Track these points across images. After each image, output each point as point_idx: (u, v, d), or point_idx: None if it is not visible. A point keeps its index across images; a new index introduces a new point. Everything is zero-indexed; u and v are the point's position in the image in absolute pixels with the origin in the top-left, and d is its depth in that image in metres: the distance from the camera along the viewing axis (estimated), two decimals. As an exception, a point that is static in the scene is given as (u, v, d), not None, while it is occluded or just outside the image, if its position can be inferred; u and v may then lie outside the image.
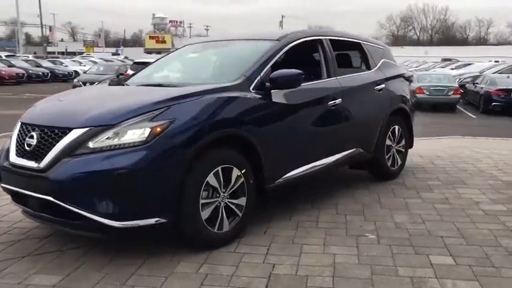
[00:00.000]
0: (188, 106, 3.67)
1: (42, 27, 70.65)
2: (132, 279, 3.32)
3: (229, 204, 3.89)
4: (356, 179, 5.92)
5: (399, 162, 6.03)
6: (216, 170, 3.73)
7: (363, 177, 5.93)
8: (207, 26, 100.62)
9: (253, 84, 4.16)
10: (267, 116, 4.16)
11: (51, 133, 3.57)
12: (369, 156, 5.57)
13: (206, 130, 3.64)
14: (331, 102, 4.80)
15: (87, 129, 3.46)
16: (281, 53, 4.58)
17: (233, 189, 3.89)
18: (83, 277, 3.35)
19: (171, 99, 3.68)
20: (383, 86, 5.64)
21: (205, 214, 3.68)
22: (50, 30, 72.95)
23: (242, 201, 3.98)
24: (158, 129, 3.45)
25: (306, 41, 4.97)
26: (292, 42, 4.75)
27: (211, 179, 3.70)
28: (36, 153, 3.58)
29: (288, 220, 4.48)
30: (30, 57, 43.44)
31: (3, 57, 34.47)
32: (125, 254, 3.71)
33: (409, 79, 6.37)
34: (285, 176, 4.38)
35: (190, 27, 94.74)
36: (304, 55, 5.40)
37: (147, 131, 3.42)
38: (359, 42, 5.72)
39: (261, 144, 4.06)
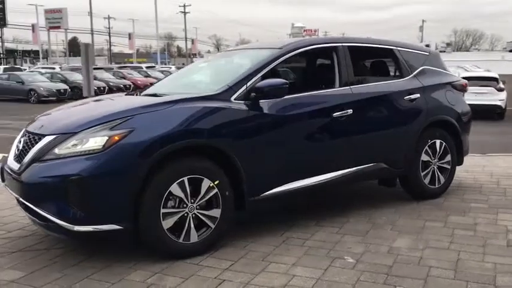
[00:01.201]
0: (151, 116, 3.71)
1: (186, 41, 76.08)
2: (82, 282, 3.43)
3: (200, 215, 3.84)
4: (387, 197, 5.45)
5: (442, 180, 5.42)
6: (181, 180, 3.70)
7: (397, 196, 5.44)
8: (343, 34, 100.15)
9: (236, 94, 4.06)
10: (250, 128, 4.04)
11: (32, 139, 3.84)
12: (396, 172, 5.11)
13: (167, 140, 3.63)
14: (337, 113, 4.49)
15: (54, 136, 3.66)
16: (277, 62, 4.41)
17: (203, 200, 3.84)
18: (42, 276, 3.54)
19: (135, 109, 3.75)
20: (417, 95, 5.13)
21: (167, 223, 3.68)
22: (193, 43, 78.25)
23: (215, 213, 3.90)
24: (116, 137, 3.53)
25: (314, 48, 4.73)
26: (294, 51, 4.56)
27: (175, 188, 3.68)
28: (21, 157, 3.87)
29: (278, 236, 4.28)
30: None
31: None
32: (96, 258, 3.84)
33: (460, 88, 5.70)
34: (272, 191, 4.20)
35: (325, 35, 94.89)
36: (313, 63, 5.13)
37: (105, 139, 3.52)
38: (390, 49, 5.27)
39: (240, 157, 3.95)
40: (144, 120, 3.66)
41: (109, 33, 70.74)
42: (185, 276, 3.49)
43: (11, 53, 59.55)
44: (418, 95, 5.14)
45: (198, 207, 3.83)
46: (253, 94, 4.09)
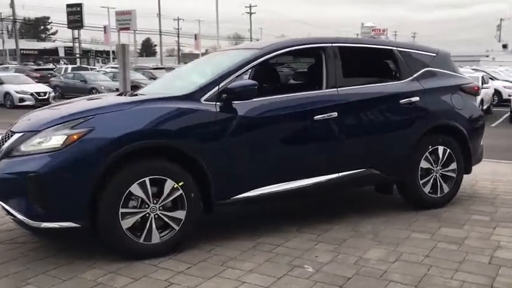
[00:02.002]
0: (112, 116, 3.74)
1: (251, 41, 76.70)
2: (38, 277, 3.50)
3: (163, 216, 3.82)
4: (386, 206, 5.19)
5: (445, 189, 5.09)
6: (141, 180, 3.70)
7: (397, 204, 5.16)
8: (414, 33, 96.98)
9: (206, 95, 4.01)
10: (218, 130, 3.97)
11: (6, 136, 3.98)
12: (390, 179, 4.86)
13: (125, 140, 3.64)
14: (319, 116, 4.32)
15: (21, 134, 3.78)
16: (255, 63, 4.32)
17: (167, 201, 3.82)
18: (5, 268, 3.66)
19: (98, 109, 3.79)
20: (416, 98, 4.84)
21: (127, 223, 3.69)
22: (258, 43, 78.70)
23: (180, 214, 3.87)
24: (75, 136, 3.58)
25: (300, 49, 4.59)
26: (274, 52, 4.43)
27: (135, 188, 3.69)
28: None
29: (250, 241, 4.19)
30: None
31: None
32: (64, 254, 3.92)
33: (470, 92, 5.33)
34: (244, 195, 4.10)
35: (395, 34, 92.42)
36: (299, 64, 4.96)
37: (64, 138, 3.58)
38: (389, 50, 5.00)
39: (207, 159, 3.90)
40: (104, 120, 3.70)
41: (178, 34, 72.62)
42: (136, 277, 3.48)
43: (85, 53, 62.47)
44: (417, 98, 4.85)
45: (161, 208, 3.82)
46: (224, 95, 4.03)
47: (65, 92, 25.36)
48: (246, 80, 4.07)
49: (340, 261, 3.73)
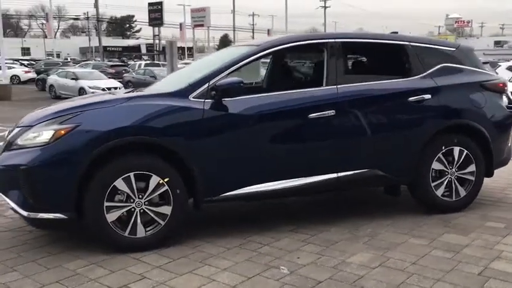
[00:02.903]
0: (99, 112, 3.86)
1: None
2: (26, 265, 3.70)
3: (148, 211, 3.90)
4: (393, 208, 4.97)
5: (461, 193, 4.78)
6: (126, 175, 3.80)
7: (408, 207, 4.92)
8: (502, 25, 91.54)
9: (195, 92, 4.04)
10: (206, 127, 3.98)
11: (13, 130, 4.22)
12: (397, 180, 4.64)
13: (110, 136, 3.74)
14: (314, 115, 4.21)
15: (20, 128, 3.99)
16: (250, 59, 4.26)
17: (152, 196, 3.89)
18: (0, 255, 3.89)
19: (88, 105, 3.93)
20: (428, 96, 4.58)
21: (111, 217, 3.80)
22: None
23: (165, 210, 3.93)
24: (62, 131, 3.73)
25: (299, 45, 4.47)
26: (272, 48, 4.36)
27: (120, 183, 3.79)
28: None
29: (239, 239, 4.16)
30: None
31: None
32: (59, 243, 4.10)
33: (494, 89, 4.95)
34: (233, 192, 4.09)
35: (482, 26, 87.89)
36: (299, 61, 4.83)
37: (51, 133, 3.75)
38: (401, 45, 4.74)
39: (192, 156, 3.93)
40: (91, 115, 3.82)
41: (252, 29, 73.39)
42: (114, 270, 3.58)
43: (164, 50, 64.75)
44: (429, 96, 4.59)
45: (147, 203, 3.89)
46: (213, 92, 4.03)
47: (137, 87, 26.39)
48: (233, 78, 4.04)
49: (320, 264, 3.63)
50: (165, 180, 3.90)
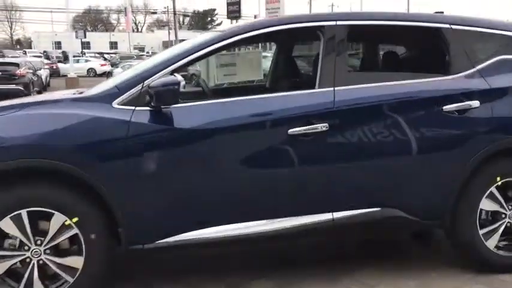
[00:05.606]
0: None
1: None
2: None
3: (50, 263, 2.79)
4: (432, 261, 3.53)
5: (527, 245, 3.27)
6: (15, 213, 2.71)
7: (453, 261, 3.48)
8: None
9: (121, 97, 2.87)
10: (132, 146, 2.79)
11: None
12: (425, 224, 3.22)
13: (-10, 158, 2.67)
14: (296, 129, 2.90)
15: None
16: (204, 51, 3.01)
17: (54, 242, 2.78)
18: None
19: None
20: (475, 103, 3.10)
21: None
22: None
23: (75, 262, 2.81)
24: None
25: (281, 31, 3.16)
26: (240, 35, 3.08)
27: (6, 224, 2.72)
28: None
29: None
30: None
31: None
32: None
33: None
34: (175, 238, 2.89)
35: None
36: (283, 53, 3.48)
37: None
38: (436, 29, 3.26)
39: (111, 187, 2.78)
40: None
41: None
42: None
43: (240, 43, 64.50)
44: (477, 103, 3.12)
45: (48, 251, 2.79)
46: (147, 98, 2.85)
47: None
48: (170, 77, 2.83)
49: None
50: (74, 220, 2.77)
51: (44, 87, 20.50)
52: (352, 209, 3.06)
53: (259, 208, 2.98)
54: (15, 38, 79.57)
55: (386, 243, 3.90)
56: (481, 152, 3.12)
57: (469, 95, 3.14)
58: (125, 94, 2.87)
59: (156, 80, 2.81)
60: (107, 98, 2.87)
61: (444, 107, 3.09)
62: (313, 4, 57.31)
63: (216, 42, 3.03)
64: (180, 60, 2.98)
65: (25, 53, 44.36)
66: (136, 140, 2.80)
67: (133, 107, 2.84)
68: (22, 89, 16.10)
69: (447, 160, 3.12)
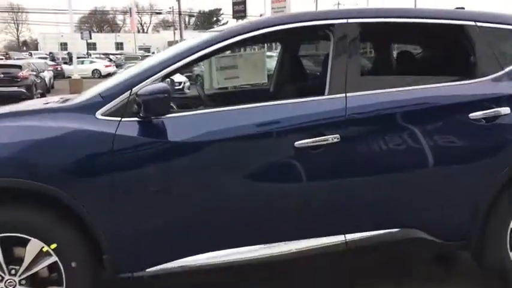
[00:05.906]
0: None
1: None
2: None
3: (25, 294, 2.48)
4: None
5: None
6: (-15, 239, 2.40)
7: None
8: None
9: (106, 107, 2.54)
10: (116, 163, 2.47)
11: None
12: (449, 246, 2.88)
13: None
14: (304, 142, 2.57)
15: None
16: (199, 54, 2.68)
17: (31, 272, 2.47)
18: None
19: None
20: (505, 110, 2.76)
21: (-32, 302, 2.43)
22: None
23: (53, 293, 2.49)
24: None
25: (286, 30, 2.82)
26: (240, 35, 2.74)
27: (-24, 251, 2.41)
28: None
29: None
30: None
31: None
32: None
33: None
34: (168, 265, 2.57)
35: None
36: (288, 55, 3.14)
37: None
38: (460, 26, 2.91)
39: (95, 208, 2.46)
40: None
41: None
42: None
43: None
44: (507, 110, 2.77)
45: (23, 281, 2.48)
46: (135, 106, 2.53)
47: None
48: (160, 84, 2.50)
49: None
50: (52, 246, 2.45)
51: (47, 90, 20.21)
52: (367, 230, 2.72)
53: (262, 230, 2.65)
54: (21, 39, 79.83)
55: (406, 263, 3.56)
56: (509, 163, 2.78)
57: (497, 100, 2.79)
58: (110, 103, 2.54)
59: (143, 88, 2.49)
60: (90, 108, 2.55)
61: (470, 115, 2.75)
62: (319, 2, 56.90)
63: (214, 44, 2.70)
64: (173, 64, 2.65)
65: (31, 54, 44.33)
66: (122, 155, 2.47)
67: (119, 118, 2.51)
68: (24, 91, 15.89)
69: (474, 173, 2.77)
